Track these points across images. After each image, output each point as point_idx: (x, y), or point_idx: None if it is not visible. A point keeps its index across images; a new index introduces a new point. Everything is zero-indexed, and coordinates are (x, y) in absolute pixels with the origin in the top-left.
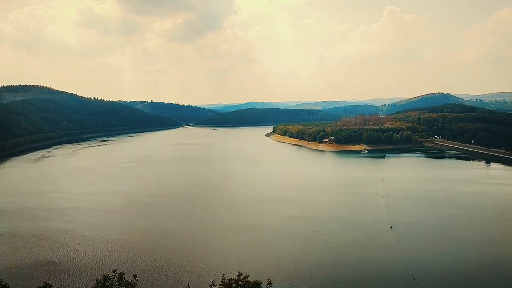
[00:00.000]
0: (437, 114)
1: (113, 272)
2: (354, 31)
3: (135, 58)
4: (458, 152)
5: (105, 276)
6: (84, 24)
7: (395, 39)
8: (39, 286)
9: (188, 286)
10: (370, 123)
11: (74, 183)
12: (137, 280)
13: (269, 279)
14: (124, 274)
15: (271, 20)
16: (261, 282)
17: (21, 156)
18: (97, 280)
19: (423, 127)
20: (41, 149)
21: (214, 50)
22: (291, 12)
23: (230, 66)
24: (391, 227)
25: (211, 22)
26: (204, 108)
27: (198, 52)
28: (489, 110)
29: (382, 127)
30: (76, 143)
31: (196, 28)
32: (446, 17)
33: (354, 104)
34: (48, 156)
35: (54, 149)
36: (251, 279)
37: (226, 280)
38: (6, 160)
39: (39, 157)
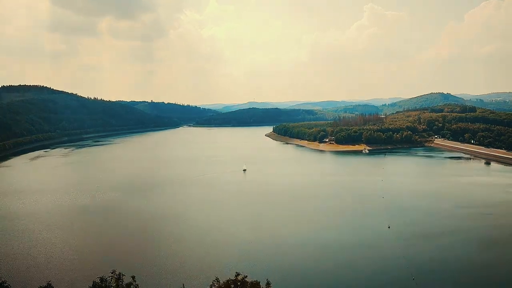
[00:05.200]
0: (437, 114)
1: (111, 273)
2: (340, 29)
3: (111, 58)
4: (458, 152)
5: (102, 278)
6: (41, 25)
7: (381, 37)
8: (40, 286)
9: (183, 286)
10: (370, 123)
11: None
12: (136, 282)
13: (267, 279)
14: (123, 275)
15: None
16: (259, 282)
17: (20, 156)
18: (94, 282)
19: (423, 127)
20: (40, 149)
21: (184, 50)
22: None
23: (201, 66)
24: (389, 227)
25: (169, 22)
26: (204, 108)
27: (169, 52)
28: (489, 110)
29: (382, 127)
30: (76, 143)
31: (156, 29)
32: (429, 13)
33: (354, 104)
34: (44, 156)
35: (52, 149)
36: (248, 279)
37: (224, 280)
38: (6, 159)
39: (35, 157)
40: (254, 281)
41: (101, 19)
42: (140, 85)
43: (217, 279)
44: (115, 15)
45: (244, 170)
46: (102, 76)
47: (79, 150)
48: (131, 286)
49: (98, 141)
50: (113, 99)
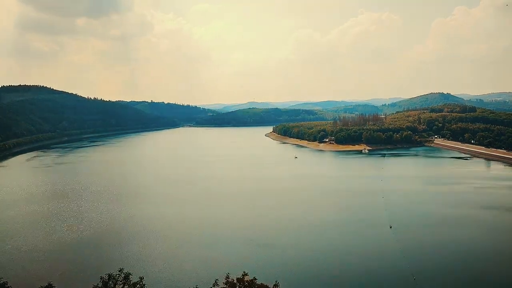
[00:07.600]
0: (437, 114)
1: (119, 271)
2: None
3: (95, 57)
4: (458, 152)
5: (109, 275)
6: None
7: (379, 37)
8: (41, 286)
9: (196, 287)
10: (370, 123)
11: None
12: (143, 283)
13: (276, 281)
14: (130, 274)
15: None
16: (268, 286)
17: (18, 156)
18: (101, 278)
19: (423, 127)
20: (39, 149)
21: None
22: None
23: (190, 66)
24: (391, 227)
25: (155, 22)
26: (204, 108)
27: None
28: (489, 110)
29: (382, 127)
30: (74, 143)
31: (140, 28)
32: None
33: (354, 104)
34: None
35: (50, 149)
36: (255, 279)
37: (230, 280)
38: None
39: (32, 157)
40: (262, 283)
41: (78, 19)
42: (128, 84)
43: (227, 276)
44: (92, 14)
45: (296, 157)
46: (92, 76)
47: (77, 150)
48: (137, 285)
49: (97, 141)
50: (110, 99)
